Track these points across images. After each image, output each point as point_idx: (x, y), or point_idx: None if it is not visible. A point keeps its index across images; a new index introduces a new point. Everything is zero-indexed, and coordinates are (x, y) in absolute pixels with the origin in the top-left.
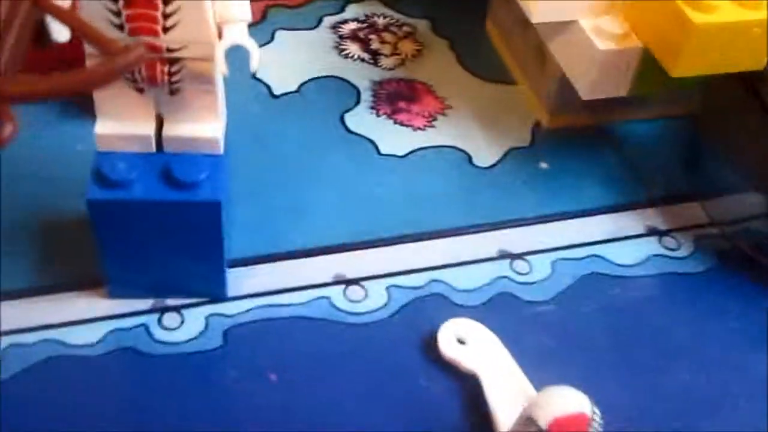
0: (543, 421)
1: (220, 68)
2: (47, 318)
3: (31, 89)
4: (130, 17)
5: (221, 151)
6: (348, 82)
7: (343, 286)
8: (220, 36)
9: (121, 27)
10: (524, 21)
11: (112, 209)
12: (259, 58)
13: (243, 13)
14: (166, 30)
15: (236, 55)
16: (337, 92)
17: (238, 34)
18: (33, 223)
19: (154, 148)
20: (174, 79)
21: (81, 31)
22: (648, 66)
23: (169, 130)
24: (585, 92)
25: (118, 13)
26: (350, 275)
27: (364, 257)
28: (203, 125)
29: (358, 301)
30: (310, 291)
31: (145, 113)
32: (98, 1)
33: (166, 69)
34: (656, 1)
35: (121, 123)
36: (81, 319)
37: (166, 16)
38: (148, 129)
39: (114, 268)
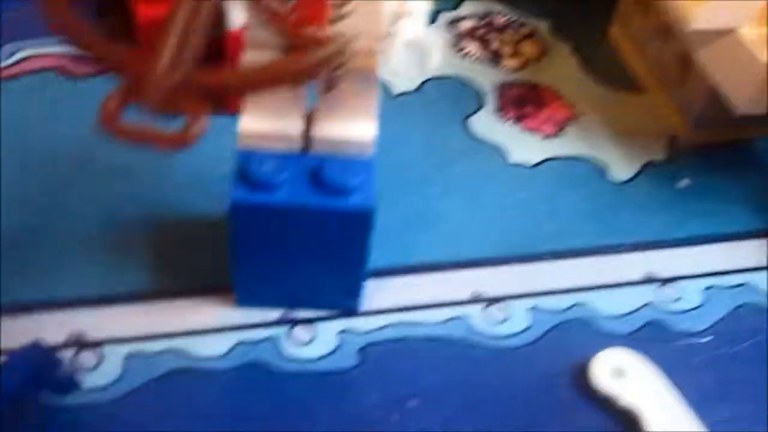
0: None
1: (397, 68)
2: (170, 326)
3: (238, 81)
4: (299, 4)
5: (372, 154)
6: (469, 83)
7: (481, 306)
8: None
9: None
10: (664, 28)
11: (257, 213)
12: (440, 57)
13: (421, 5)
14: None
15: None
16: (458, 94)
17: (416, 28)
18: (151, 222)
19: (300, 148)
20: (334, 73)
21: (279, 25)
22: None
23: (320, 130)
24: (742, 107)
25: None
26: (488, 294)
27: (502, 274)
28: (357, 125)
29: (499, 323)
30: (446, 309)
31: (295, 109)
32: None
33: None
34: None
35: (268, 119)
36: (206, 328)
37: (338, 6)
38: (298, 127)
39: (244, 275)
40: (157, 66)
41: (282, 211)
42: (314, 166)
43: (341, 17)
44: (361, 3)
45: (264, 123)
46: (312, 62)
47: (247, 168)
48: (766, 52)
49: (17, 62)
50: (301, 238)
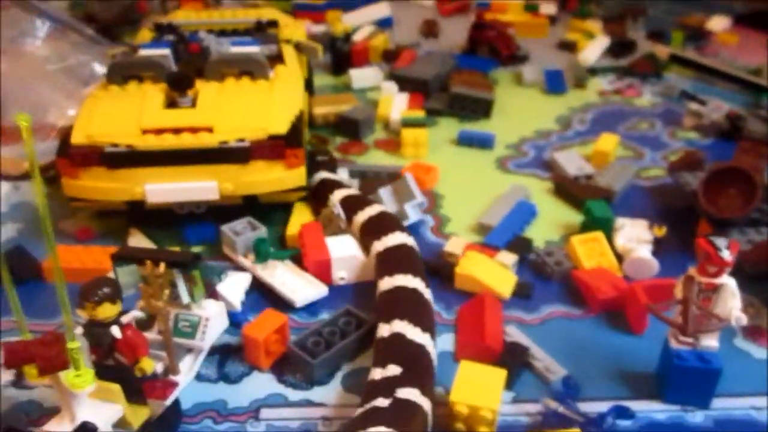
0: None
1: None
2: (640, 407)
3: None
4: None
5: (717, 348)
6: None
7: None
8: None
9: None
10: None
11: (681, 369)
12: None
13: (736, 309)
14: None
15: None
16: (730, 330)
17: (737, 315)
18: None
19: (692, 347)
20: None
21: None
22: None
23: (702, 342)
24: None
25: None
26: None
27: (727, 399)
28: (713, 341)
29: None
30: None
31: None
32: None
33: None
34: None
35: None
36: (657, 409)
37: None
38: (689, 340)
39: (671, 390)
40: (688, 327)
41: (691, 369)
42: (699, 353)
43: (712, 308)
44: (720, 302)
45: (682, 340)
46: (721, 326)
47: (677, 353)
48: None
49: (547, 313)
50: (696, 380)
